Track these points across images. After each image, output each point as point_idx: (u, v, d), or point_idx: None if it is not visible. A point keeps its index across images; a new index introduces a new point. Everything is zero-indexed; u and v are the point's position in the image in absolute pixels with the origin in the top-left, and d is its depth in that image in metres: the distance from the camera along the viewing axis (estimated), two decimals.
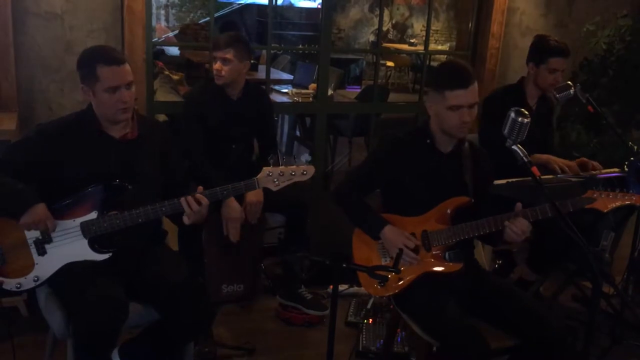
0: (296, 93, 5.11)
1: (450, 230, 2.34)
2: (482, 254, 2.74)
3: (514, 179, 2.92)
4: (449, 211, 2.36)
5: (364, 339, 3.06)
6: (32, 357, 2.67)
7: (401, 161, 2.40)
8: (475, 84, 2.26)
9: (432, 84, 2.32)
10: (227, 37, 3.12)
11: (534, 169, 2.03)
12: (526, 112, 2.06)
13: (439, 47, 11.59)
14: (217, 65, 3.09)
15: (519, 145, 2.07)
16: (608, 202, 2.25)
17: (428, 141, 2.40)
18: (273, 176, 2.25)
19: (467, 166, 2.40)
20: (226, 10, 10.07)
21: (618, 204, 2.25)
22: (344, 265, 1.97)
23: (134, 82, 2.25)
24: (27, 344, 2.81)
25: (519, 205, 2.27)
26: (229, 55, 3.05)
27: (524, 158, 2.05)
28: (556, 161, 3.11)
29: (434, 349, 2.31)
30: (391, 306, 2.75)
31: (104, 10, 3.25)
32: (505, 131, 2.07)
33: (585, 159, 3.19)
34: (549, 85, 3.16)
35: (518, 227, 2.24)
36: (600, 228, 2.86)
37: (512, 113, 2.06)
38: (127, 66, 2.23)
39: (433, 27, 12.29)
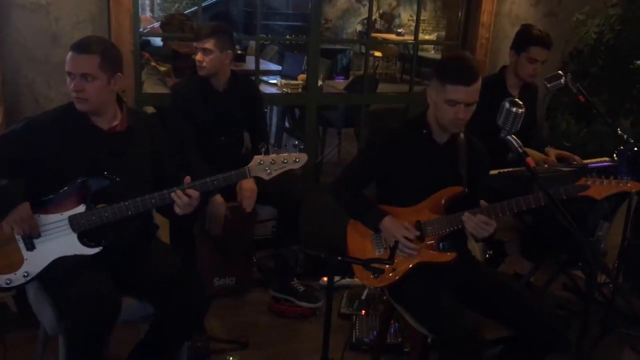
0: (285, 84, 5.07)
1: (443, 220, 2.33)
2: (475, 245, 2.73)
3: (505, 169, 2.93)
4: (443, 201, 2.35)
5: (357, 330, 3.05)
6: (23, 353, 2.64)
7: (396, 152, 2.39)
8: (478, 83, 2.22)
9: (436, 73, 2.27)
10: (208, 27, 3.09)
11: (529, 160, 2.03)
12: (520, 103, 2.05)
13: (426, 37, 11.58)
14: (198, 56, 3.06)
15: (513, 136, 2.07)
16: (602, 190, 2.21)
17: (424, 131, 2.38)
18: (265, 165, 2.20)
19: (462, 157, 2.38)
20: (213, 0, 9.99)
21: (612, 191, 2.20)
22: (339, 258, 1.95)
23: (96, 77, 2.16)
24: (17, 340, 2.77)
25: (483, 202, 2.26)
26: (210, 45, 3.02)
27: (519, 149, 2.04)
28: (532, 155, 3.10)
29: (429, 340, 2.31)
30: (384, 297, 2.75)
31: (90, 1, 3.20)
32: (500, 121, 2.06)
33: (565, 152, 3.19)
34: (527, 75, 3.14)
35: (474, 222, 2.23)
36: (594, 217, 2.87)
37: (507, 103, 2.05)
38: (88, 57, 2.14)
39: (421, 17, 12.27)
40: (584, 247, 1.89)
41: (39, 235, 2.18)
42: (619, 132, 3.02)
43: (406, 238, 2.31)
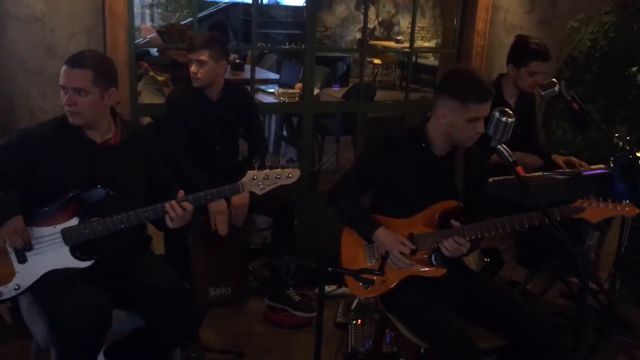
0: (282, 93, 5.09)
1: (437, 234, 2.31)
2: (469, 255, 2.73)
3: (499, 177, 2.93)
4: (437, 216, 2.33)
5: (352, 340, 3.04)
6: None
7: (393, 161, 2.37)
8: None
9: (456, 93, 2.20)
10: (202, 38, 3.10)
11: (519, 169, 2.03)
12: (510, 112, 2.06)
13: (425, 44, 11.63)
14: (192, 68, 3.06)
15: (504, 145, 2.07)
16: (598, 212, 2.15)
17: (423, 144, 2.35)
18: (258, 180, 2.22)
19: (459, 170, 2.36)
20: (211, 9, 10.02)
21: (609, 214, 2.17)
22: (330, 269, 1.95)
23: (89, 92, 2.16)
24: (12, 351, 2.78)
25: (455, 223, 2.25)
26: (204, 56, 3.03)
27: (510, 158, 2.04)
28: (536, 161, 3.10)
29: (422, 350, 2.30)
30: (380, 307, 2.74)
31: (85, 12, 3.21)
32: (490, 131, 2.06)
33: (573, 158, 3.19)
34: (529, 87, 3.16)
35: (451, 246, 2.23)
36: (585, 226, 2.86)
37: (497, 113, 2.05)
38: (81, 72, 2.15)
39: (419, 24, 12.29)
40: (575, 256, 1.89)
41: (31, 248, 2.18)
42: (614, 139, 3.03)
43: (401, 253, 2.30)
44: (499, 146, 2.06)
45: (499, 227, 2.22)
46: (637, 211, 2.16)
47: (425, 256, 2.35)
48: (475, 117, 2.19)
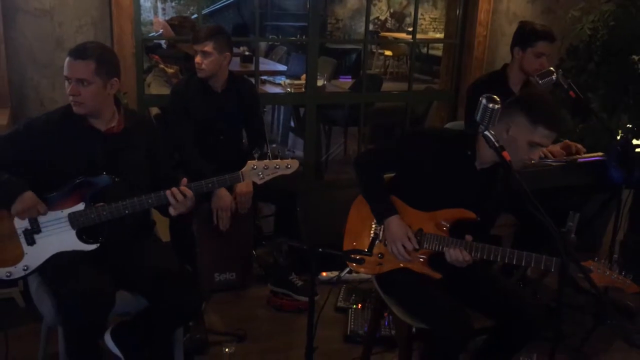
0: (289, 84, 5.16)
1: (445, 239, 2.32)
2: None
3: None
4: (450, 221, 2.34)
5: (352, 323, 3.12)
6: (30, 345, 2.74)
7: (432, 157, 2.36)
8: None
9: (529, 112, 2.17)
10: (207, 29, 3.17)
11: (505, 154, 2.08)
12: (497, 99, 2.10)
13: (437, 36, 11.61)
14: (197, 59, 3.14)
15: (491, 132, 2.12)
16: (603, 279, 2.18)
17: (469, 152, 2.35)
18: (257, 170, 2.32)
19: (492, 190, 2.36)
20: (223, 3, 10.10)
21: (610, 284, 2.21)
22: (320, 250, 2.02)
23: (91, 82, 2.25)
24: (24, 333, 2.88)
25: (468, 237, 2.27)
26: (208, 47, 3.11)
27: (496, 143, 2.09)
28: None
29: (414, 330, 2.37)
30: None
31: (92, 5, 3.31)
32: (478, 117, 2.11)
33: (568, 141, 3.22)
34: (534, 70, 3.17)
35: (455, 256, 2.26)
36: (586, 213, 2.88)
37: (484, 99, 2.09)
38: (83, 63, 2.23)
39: (432, 15, 12.29)
40: (555, 238, 1.94)
41: (39, 230, 2.28)
42: (614, 127, 3.05)
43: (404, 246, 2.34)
44: (486, 132, 2.10)
45: (506, 257, 2.25)
46: (637, 290, 2.19)
47: (425, 256, 2.37)
48: (537, 143, 2.19)
